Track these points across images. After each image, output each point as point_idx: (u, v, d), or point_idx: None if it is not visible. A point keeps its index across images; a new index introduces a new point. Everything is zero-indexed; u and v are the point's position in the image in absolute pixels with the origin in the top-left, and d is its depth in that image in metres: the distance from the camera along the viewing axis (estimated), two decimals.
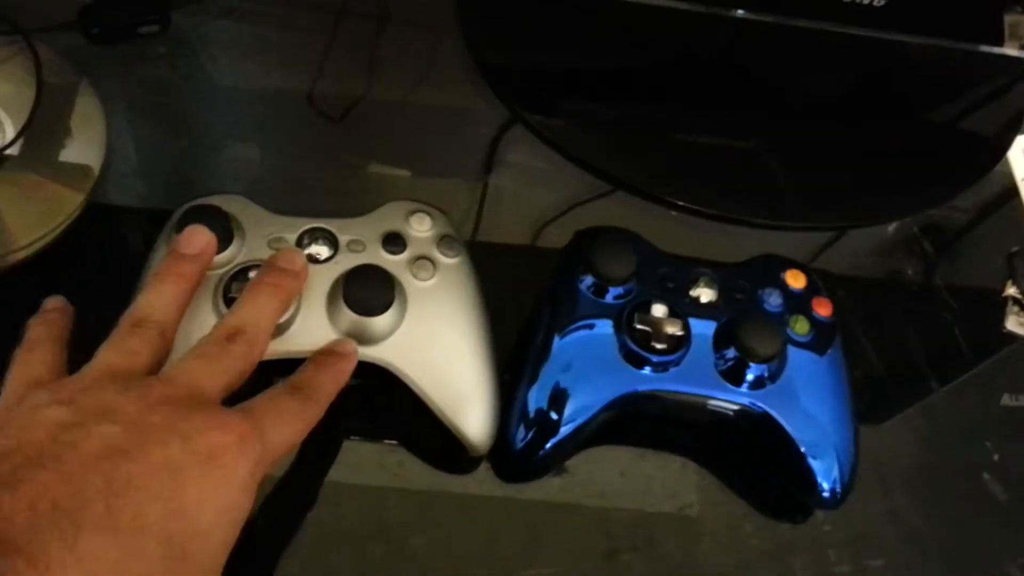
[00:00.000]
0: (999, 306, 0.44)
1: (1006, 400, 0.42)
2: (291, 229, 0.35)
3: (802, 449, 0.35)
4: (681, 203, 0.45)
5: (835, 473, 0.36)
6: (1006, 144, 0.46)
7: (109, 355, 0.29)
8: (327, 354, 0.33)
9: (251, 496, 0.28)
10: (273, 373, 0.32)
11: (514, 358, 0.37)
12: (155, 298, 0.31)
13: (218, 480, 0.26)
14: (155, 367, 0.30)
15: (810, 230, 0.46)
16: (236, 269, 0.34)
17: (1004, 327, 0.43)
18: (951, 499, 0.40)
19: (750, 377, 0.35)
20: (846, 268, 0.45)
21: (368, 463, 0.37)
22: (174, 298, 0.31)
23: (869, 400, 0.41)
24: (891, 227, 0.46)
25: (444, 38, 0.51)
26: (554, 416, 0.35)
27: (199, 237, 0.33)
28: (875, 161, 0.49)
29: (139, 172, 0.44)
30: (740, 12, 0.48)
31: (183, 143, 0.46)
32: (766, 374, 0.35)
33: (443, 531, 0.36)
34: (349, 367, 0.33)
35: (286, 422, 0.30)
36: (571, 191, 0.46)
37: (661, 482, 0.38)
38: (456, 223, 0.40)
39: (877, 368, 0.42)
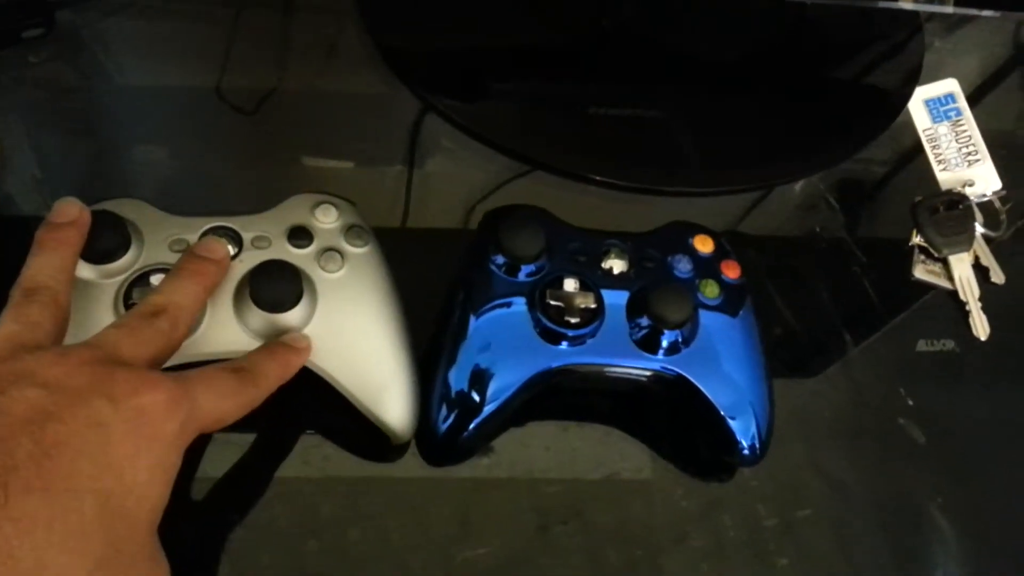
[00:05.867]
0: (906, 255, 0.45)
1: (921, 346, 0.43)
2: (192, 230, 0.35)
3: (720, 410, 0.36)
4: (598, 177, 0.46)
5: (753, 430, 0.36)
6: (906, 97, 0.47)
7: (10, 326, 0.28)
8: (278, 343, 0.33)
9: (180, 455, 0.28)
10: None
11: (433, 342, 0.37)
12: (41, 265, 0.30)
13: (147, 437, 0.26)
14: (58, 336, 0.29)
15: (720, 194, 0.46)
16: (136, 275, 0.33)
17: (912, 275, 0.45)
18: (872, 446, 0.41)
19: (664, 344, 0.36)
20: (757, 229, 0.46)
21: (293, 460, 0.36)
22: (61, 264, 0.31)
23: (787, 356, 0.42)
24: (798, 186, 0.47)
25: (352, 24, 0.51)
26: (475, 397, 0.35)
27: (70, 207, 0.32)
28: (780, 122, 0.49)
29: (39, 181, 0.43)
30: None
31: (85, 147, 0.45)
32: (680, 339, 0.36)
33: (376, 521, 0.36)
34: (299, 361, 0.33)
35: (219, 394, 0.30)
36: (494, 173, 0.46)
37: (587, 453, 0.38)
38: (379, 211, 0.40)
39: (793, 325, 0.43)
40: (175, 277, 0.32)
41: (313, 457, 0.36)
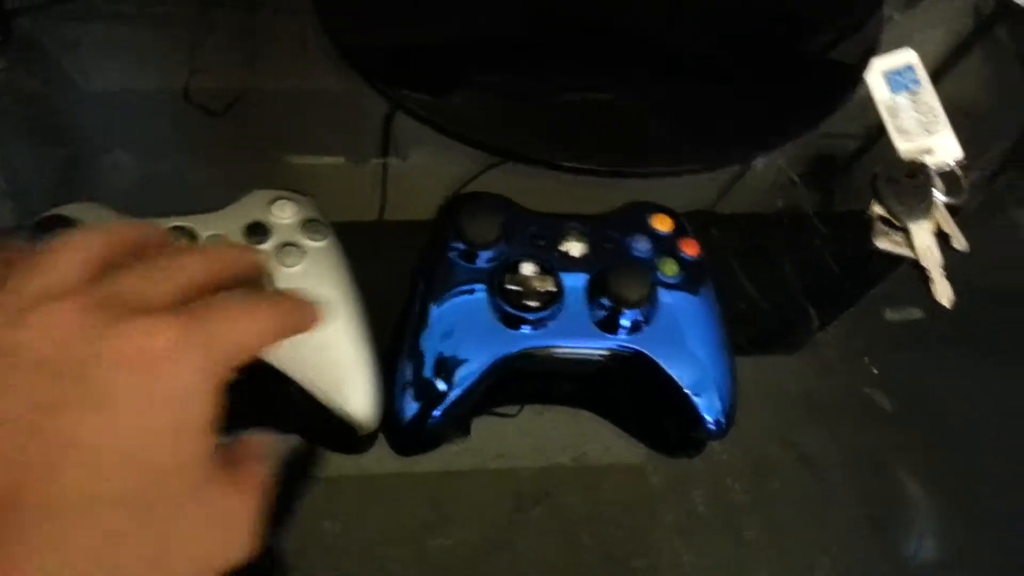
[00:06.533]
0: (868, 226, 0.45)
1: (886, 316, 0.44)
2: None
3: (683, 387, 0.36)
4: (565, 164, 0.46)
5: (717, 405, 0.37)
6: (865, 69, 0.47)
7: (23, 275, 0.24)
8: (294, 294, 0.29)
9: (208, 401, 0.24)
10: None
11: (396, 332, 0.38)
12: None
13: (154, 392, 0.23)
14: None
15: (683, 174, 0.46)
16: None
17: (874, 246, 0.45)
18: (840, 416, 0.41)
19: (625, 323, 0.36)
20: (719, 207, 0.46)
21: None
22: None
23: (753, 331, 0.43)
24: (759, 162, 0.47)
25: (310, 23, 0.51)
26: (439, 385, 0.35)
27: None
28: (740, 100, 0.49)
29: (2, 189, 0.43)
30: None
31: (49, 154, 0.45)
32: (640, 318, 0.36)
33: (350, 515, 0.36)
34: (313, 318, 0.29)
35: (243, 318, 0.25)
36: (460, 165, 0.46)
37: (556, 436, 0.39)
38: (345, 207, 0.40)
39: (758, 300, 0.43)
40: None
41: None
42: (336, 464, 0.37)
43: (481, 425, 0.38)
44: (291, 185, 0.38)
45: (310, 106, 0.48)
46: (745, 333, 0.42)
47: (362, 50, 0.48)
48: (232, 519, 0.26)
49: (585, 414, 0.39)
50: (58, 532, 0.22)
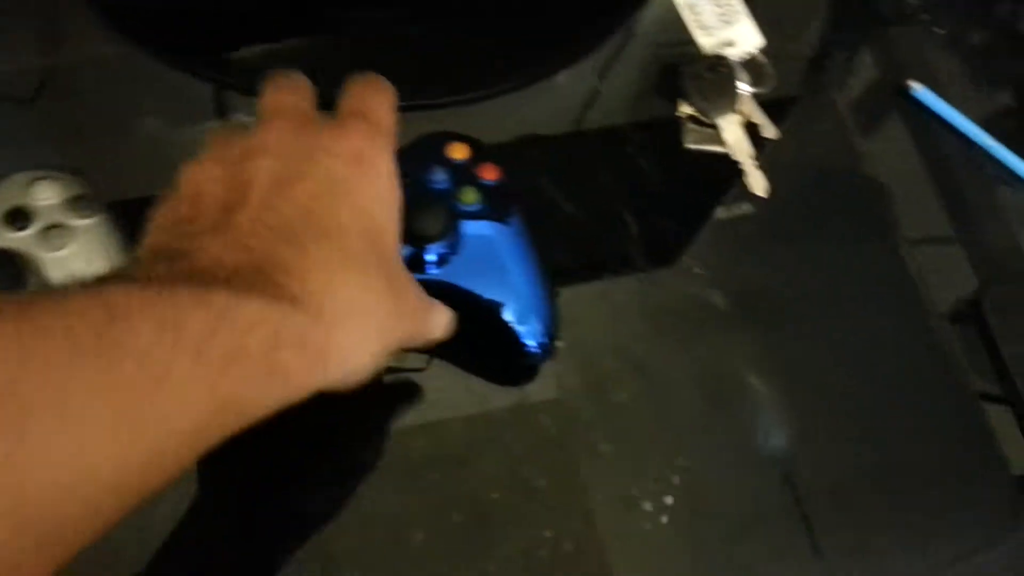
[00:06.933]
0: (678, 127, 0.45)
1: (707, 215, 0.44)
2: None
3: (498, 312, 0.36)
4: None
5: (536, 327, 0.36)
6: None
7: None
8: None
9: (397, 184, 0.31)
10: None
11: None
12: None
13: (373, 177, 0.30)
14: None
15: (487, 99, 0.45)
16: None
17: (686, 146, 0.45)
18: (675, 321, 0.41)
19: (430, 258, 0.35)
20: (527, 128, 0.45)
21: None
22: None
23: (577, 249, 0.42)
24: (561, 77, 0.46)
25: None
26: None
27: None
28: (533, 15, 0.48)
29: None
30: None
31: None
32: (445, 252, 0.35)
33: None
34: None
35: (385, 105, 0.33)
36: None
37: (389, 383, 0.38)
38: (135, 182, 0.37)
39: (578, 219, 0.42)
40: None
41: None
42: None
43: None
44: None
45: (76, 84, 0.44)
46: (569, 251, 0.42)
47: (129, 16, 0.45)
48: (424, 304, 0.32)
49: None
50: (326, 251, 0.27)
